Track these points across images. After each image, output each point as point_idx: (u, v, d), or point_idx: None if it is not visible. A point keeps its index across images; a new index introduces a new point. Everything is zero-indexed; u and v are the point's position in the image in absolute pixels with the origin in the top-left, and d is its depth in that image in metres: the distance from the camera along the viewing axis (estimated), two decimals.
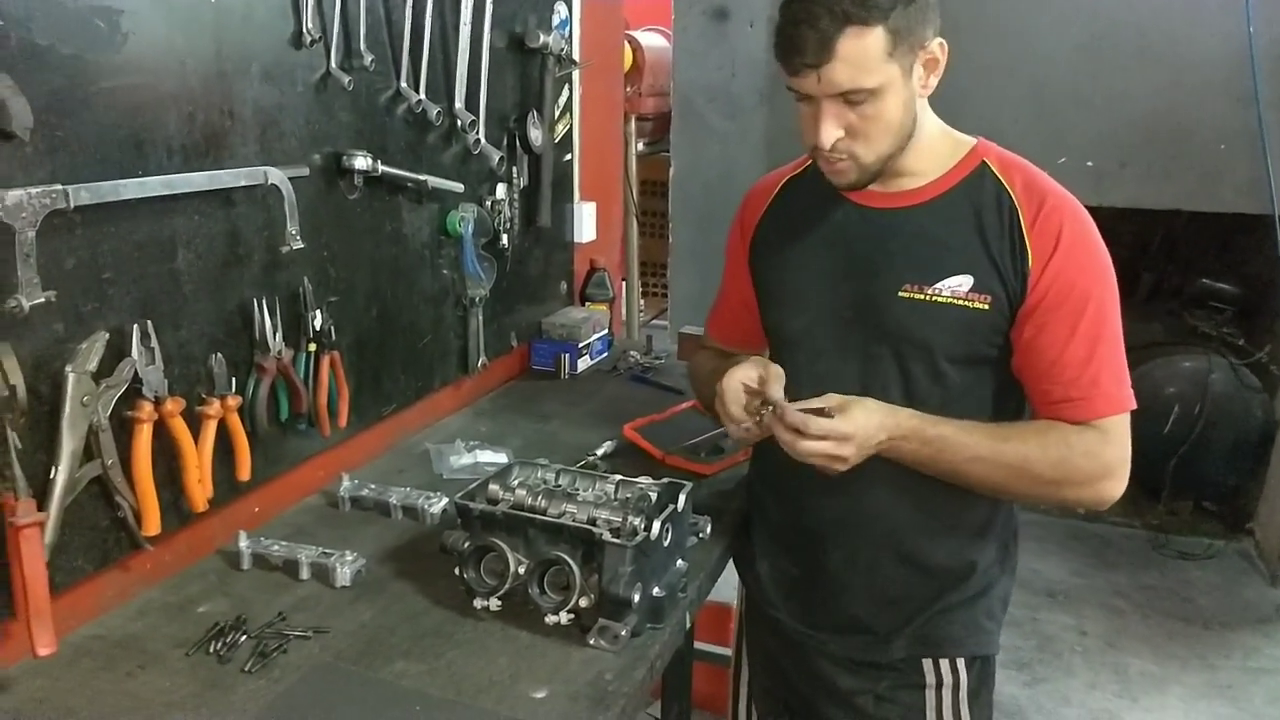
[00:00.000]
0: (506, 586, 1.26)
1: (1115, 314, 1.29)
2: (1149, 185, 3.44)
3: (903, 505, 1.37)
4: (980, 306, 1.29)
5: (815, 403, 1.26)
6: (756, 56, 3.70)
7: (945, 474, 1.30)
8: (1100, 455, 1.28)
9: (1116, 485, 1.30)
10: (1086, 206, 3.58)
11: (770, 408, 1.28)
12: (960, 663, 1.42)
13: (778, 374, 1.31)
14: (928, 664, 1.42)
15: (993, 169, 1.32)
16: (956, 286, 1.29)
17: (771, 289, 1.47)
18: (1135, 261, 4.74)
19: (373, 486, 1.61)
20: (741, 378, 1.33)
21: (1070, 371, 1.27)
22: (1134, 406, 1.29)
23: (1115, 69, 3.37)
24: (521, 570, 1.26)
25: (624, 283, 3.49)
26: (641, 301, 4.53)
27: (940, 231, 1.32)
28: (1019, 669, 3.11)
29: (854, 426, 1.23)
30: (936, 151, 1.34)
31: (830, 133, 1.24)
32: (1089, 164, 3.45)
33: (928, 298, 1.30)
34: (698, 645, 2.31)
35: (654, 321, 4.62)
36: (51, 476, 1.15)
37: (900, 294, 1.31)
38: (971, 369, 1.33)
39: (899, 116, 1.25)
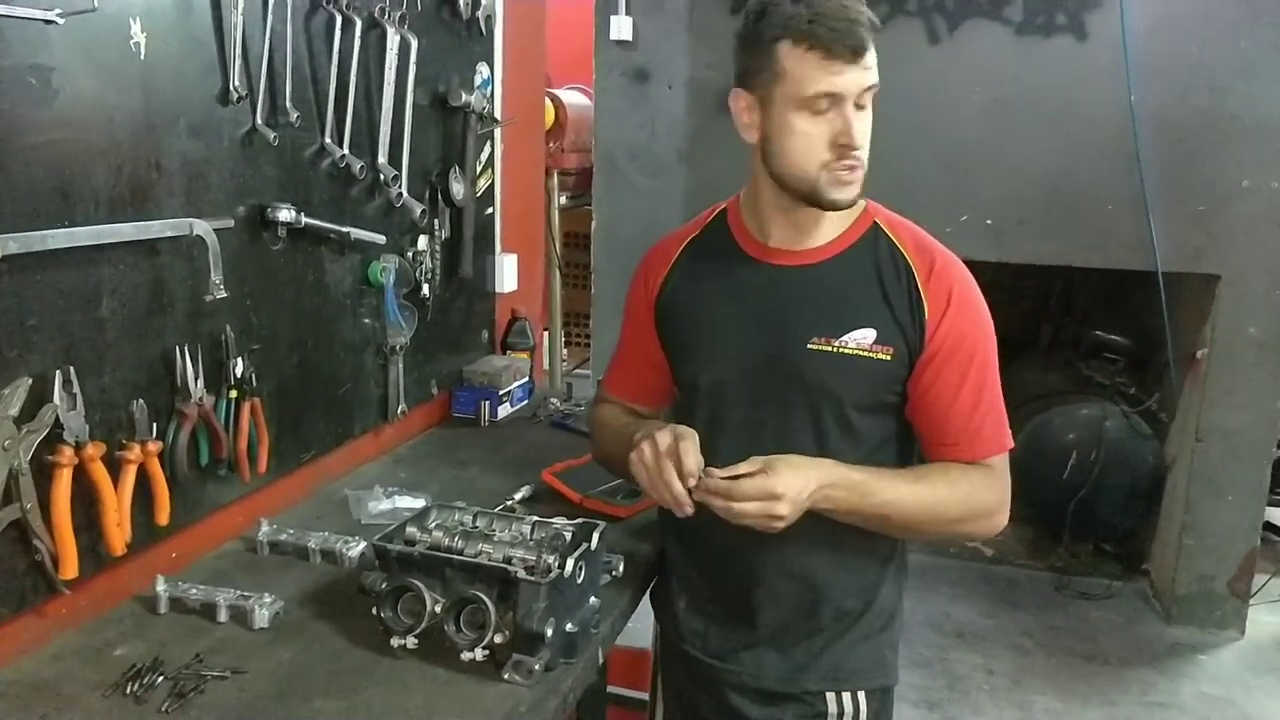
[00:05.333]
0: (424, 625, 1.30)
1: (995, 364, 1.41)
2: (1045, 242, 3.61)
3: (815, 540, 1.42)
4: (883, 358, 1.37)
5: (741, 467, 1.30)
6: (676, 117, 3.82)
7: (869, 519, 1.37)
8: (993, 489, 1.40)
9: (1004, 517, 1.42)
10: (987, 262, 3.87)
11: (694, 480, 1.31)
12: (861, 695, 1.49)
13: (691, 437, 1.34)
14: (831, 696, 1.48)
15: (884, 229, 1.43)
16: (862, 339, 1.38)
17: (684, 345, 1.52)
18: (1038, 314, 4.98)
19: (291, 531, 1.64)
20: (669, 437, 1.33)
21: (961, 417, 1.38)
22: (1012, 446, 1.42)
23: (1015, 132, 3.54)
24: (438, 609, 1.30)
25: (546, 333, 3.56)
26: (565, 351, 4.60)
27: (844, 287, 1.41)
28: (930, 708, 3.19)
29: (783, 484, 1.27)
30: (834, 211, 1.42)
31: (863, 130, 1.32)
32: (988, 222, 3.62)
33: (835, 349, 1.38)
34: (617, 690, 2.36)
35: (576, 371, 4.67)
36: None
37: (810, 345, 1.39)
38: (875, 416, 1.42)
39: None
